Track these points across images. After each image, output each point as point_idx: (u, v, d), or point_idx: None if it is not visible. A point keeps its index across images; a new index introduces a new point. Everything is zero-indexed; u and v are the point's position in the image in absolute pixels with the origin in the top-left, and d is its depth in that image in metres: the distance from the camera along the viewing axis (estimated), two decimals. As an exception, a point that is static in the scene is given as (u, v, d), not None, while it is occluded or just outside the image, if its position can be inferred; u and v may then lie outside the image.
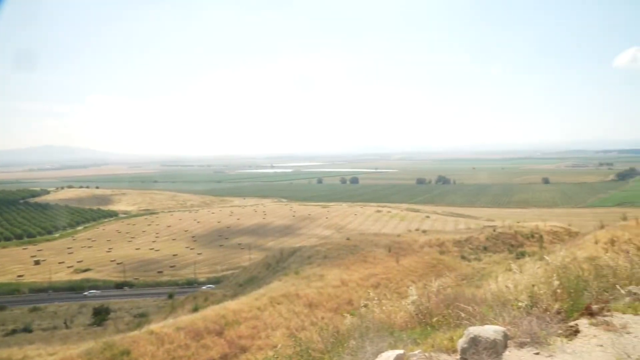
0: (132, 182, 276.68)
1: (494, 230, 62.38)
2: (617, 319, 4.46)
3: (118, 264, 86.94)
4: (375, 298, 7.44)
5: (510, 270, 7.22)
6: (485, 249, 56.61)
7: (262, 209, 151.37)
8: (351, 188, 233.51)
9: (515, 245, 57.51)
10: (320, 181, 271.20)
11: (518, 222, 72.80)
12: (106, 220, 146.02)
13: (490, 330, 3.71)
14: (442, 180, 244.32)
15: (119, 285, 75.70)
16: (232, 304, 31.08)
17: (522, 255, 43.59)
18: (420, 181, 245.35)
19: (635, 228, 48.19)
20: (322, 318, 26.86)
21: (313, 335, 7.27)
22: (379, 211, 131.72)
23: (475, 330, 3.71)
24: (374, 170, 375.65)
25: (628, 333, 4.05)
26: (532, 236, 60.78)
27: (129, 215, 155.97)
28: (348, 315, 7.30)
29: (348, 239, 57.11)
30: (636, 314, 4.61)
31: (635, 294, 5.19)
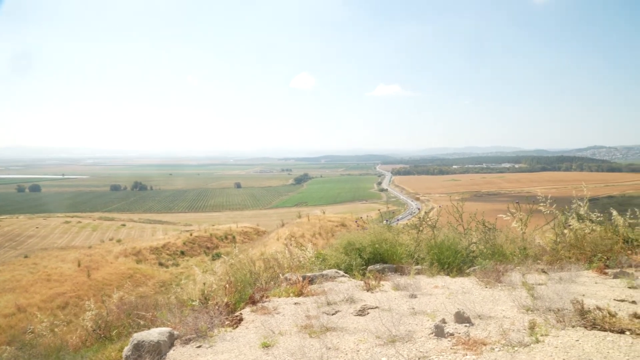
0: None
1: (191, 235, 63.81)
2: (273, 302, 5.16)
3: None
4: (45, 321, 6.66)
5: (205, 272, 7.52)
6: (182, 253, 57.37)
7: None
8: (31, 197, 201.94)
9: (211, 247, 60.09)
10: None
11: (213, 225, 76.27)
12: None
13: (155, 333, 3.77)
14: (139, 186, 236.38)
15: None
16: None
17: (217, 256, 45.90)
18: (115, 187, 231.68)
19: (307, 224, 56.86)
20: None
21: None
22: (67, 222, 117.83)
23: (139, 336, 3.71)
24: (60, 176, 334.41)
25: (278, 313, 4.74)
26: (226, 237, 64.63)
27: None
28: (7, 347, 6.32)
29: (26, 256, 49.35)
30: (288, 297, 5.43)
31: (289, 279, 6.09)
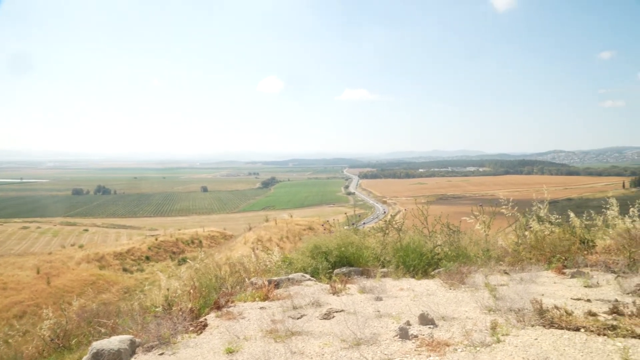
0: None
1: (156, 239, 62.58)
2: (238, 307, 5.11)
3: None
4: (-1, 331, 6.41)
5: (170, 277, 7.38)
6: (147, 258, 56.21)
7: None
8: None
9: (177, 252, 59.07)
10: None
11: (179, 230, 75.05)
12: None
13: (115, 341, 3.66)
14: (102, 190, 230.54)
15: None
16: None
17: (183, 261, 45.26)
18: (77, 192, 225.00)
19: (274, 227, 56.66)
20: None
21: None
22: (25, 228, 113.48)
23: (98, 344, 3.59)
24: (18, 180, 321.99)
25: (243, 318, 4.69)
26: (193, 242, 63.67)
27: None
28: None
29: (-21, 264, 47.36)
30: (254, 301, 5.39)
31: (255, 283, 6.04)
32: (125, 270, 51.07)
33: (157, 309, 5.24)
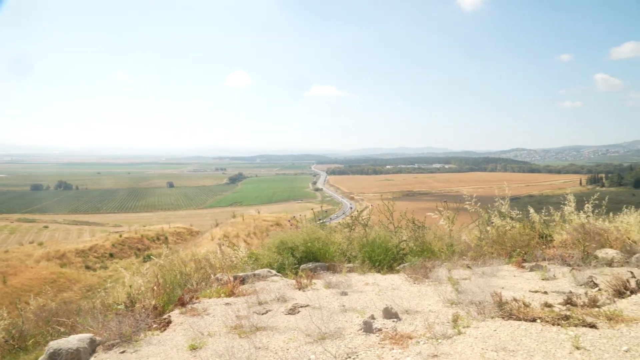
0: None
1: (120, 236, 61.35)
2: (203, 304, 5.06)
3: None
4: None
5: (134, 274, 7.22)
6: (111, 255, 55.04)
7: None
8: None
9: (142, 249, 58.08)
10: None
11: (144, 226, 73.75)
12: None
13: (74, 340, 3.56)
14: (63, 185, 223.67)
15: None
16: None
17: (148, 258, 44.33)
18: (36, 187, 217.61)
19: (242, 224, 56.35)
20: None
21: None
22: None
23: (55, 344, 3.49)
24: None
25: (207, 314, 4.64)
26: (158, 238, 62.72)
27: None
28: None
29: None
30: (219, 297, 5.34)
31: (220, 280, 5.99)
32: (87, 267, 49.90)
33: (119, 307, 5.14)
